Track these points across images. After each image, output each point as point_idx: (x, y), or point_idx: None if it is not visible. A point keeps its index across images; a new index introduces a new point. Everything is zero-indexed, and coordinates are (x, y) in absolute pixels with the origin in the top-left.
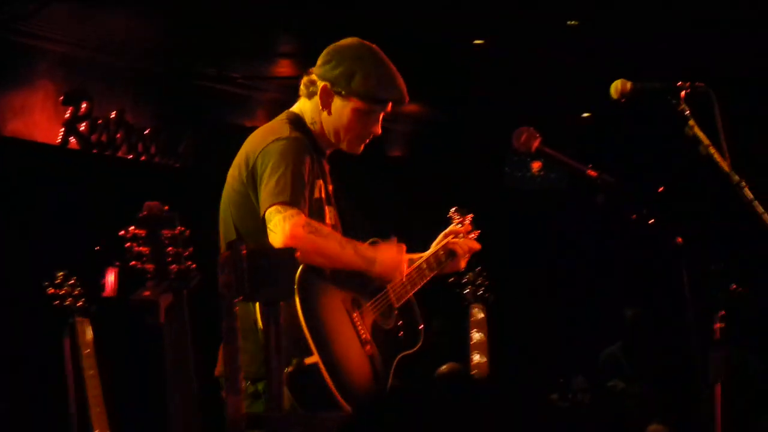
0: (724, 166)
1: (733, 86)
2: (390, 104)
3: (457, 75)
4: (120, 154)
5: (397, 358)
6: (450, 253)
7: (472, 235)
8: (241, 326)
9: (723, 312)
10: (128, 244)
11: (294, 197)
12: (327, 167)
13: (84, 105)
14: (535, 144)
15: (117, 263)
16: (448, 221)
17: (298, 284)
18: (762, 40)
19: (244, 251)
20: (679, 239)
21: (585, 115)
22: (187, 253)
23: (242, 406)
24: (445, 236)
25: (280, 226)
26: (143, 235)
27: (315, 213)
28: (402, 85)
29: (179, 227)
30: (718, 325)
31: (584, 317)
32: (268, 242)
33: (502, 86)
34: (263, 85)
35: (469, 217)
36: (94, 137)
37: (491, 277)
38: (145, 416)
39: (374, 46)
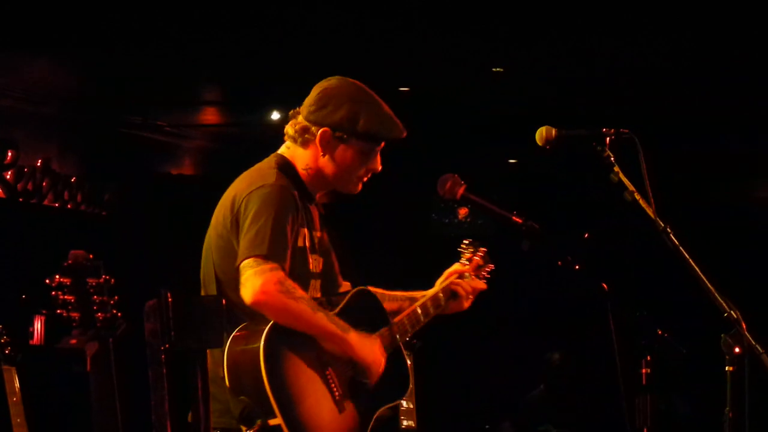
0: (650, 212)
1: (657, 133)
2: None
3: None
4: (46, 202)
5: (379, 411)
6: (452, 294)
7: (486, 269)
8: (211, 377)
9: (649, 357)
10: (54, 292)
11: (272, 251)
12: (316, 213)
13: (10, 153)
14: (460, 191)
15: (43, 311)
16: (458, 256)
17: (263, 342)
18: (684, 88)
19: (170, 299)
20: (605, 285)
21: (511, 161)
22: (112, 301)
23: None
24: (448, 276)
25: (251, 281)
26: (69, 283)
27: (297, 262)
28: (398, 120)
29: (105, 276)
30: (644, 371)
31: (510, 363)
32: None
33: (427, 132)
34: (189, 132)
35: (482, 251)
36: (20, 185)
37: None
38: None
39: (362, 84)
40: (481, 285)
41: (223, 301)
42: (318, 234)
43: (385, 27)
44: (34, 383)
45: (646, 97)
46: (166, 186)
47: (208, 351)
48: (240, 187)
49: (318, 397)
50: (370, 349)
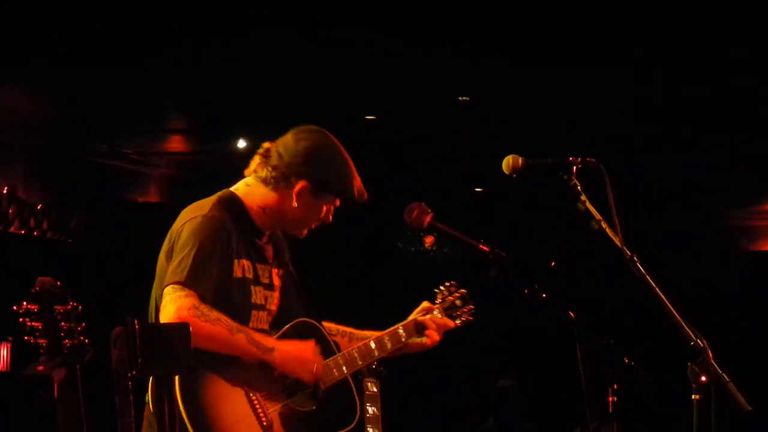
0: (617, 240)
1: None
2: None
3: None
4: (12, 229)
5: None
6: (417, 329)
7: (464, 309)
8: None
9: (616, 385)
10: (21, 319)
11: (190, 278)
12: (270, 250)
13: None
14: (427, 219)
15: (10, 338)
16: (434, 295)
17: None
18: (652, 115)
19: (137, 326)
20: (572, 313)
21: (477, 189)
22: (80, 328)
23: None
24: (417, 313)
25: (167, 307)
26: (36, 310)
27: (235, 292)
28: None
29: (72, 302)
30: (611, 399)
31: (477, 390)
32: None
33: (395, 161)
34: (155, 160)
35: (461, 292)
36: None
37: None
38: None
39: (338, 141)
40: (450, 323)
41: (190, 328)
42: (270, 269)
43: (352, 56)
44: (1, 409)
45: (613, 125)
46: (133, 213)
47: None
48: (180, 218)
49: (240, 423)
50: (296, 355)
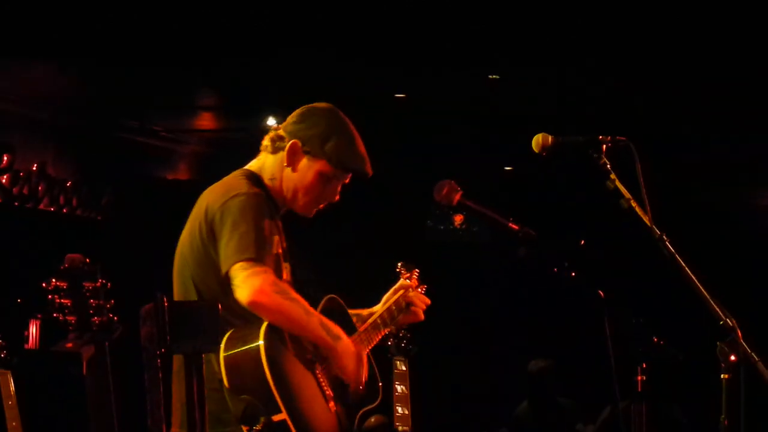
0: (646, 219)
1: (654, 140)
2: (350, 175)
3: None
4: (42, 206)
5: (360, 413)
6: (407, 305)
7: (420, 289)
8: (207, 386)
9: (645, 364)
10: (50, 295)
11: (259, 254)
12: (280, 224)
13: (6, 158)
14: (456, 197)
15: (38, 315)
16: (397, 276)
17: (263, 340)
18: (682, 93)
19: (166, 303)
20: (601, 292)
21: (507, 168)
22: (109, 305)
23: None
24: (396, 291)
25: (248, 282)
26: (65, 287)
27: (275, 269)
28: (368, 161)
29: (101, 279)
30: (640, 378)
31: (507, 370)
32: (231, 301)
33: (425, 139)
34: (185, 137)
35: (416, 272)
36: (15, 189)
37: (414, 329)
38: None
39: (348, 120)
40: (426, 300)
41: (219, 306)
42: (285, 245)
43: (383, 34)
44: (30, 387)
45: (643, 103)
46: (162, 191)
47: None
48: (211, 198)
49: (312, 394)
50: (355, 358)
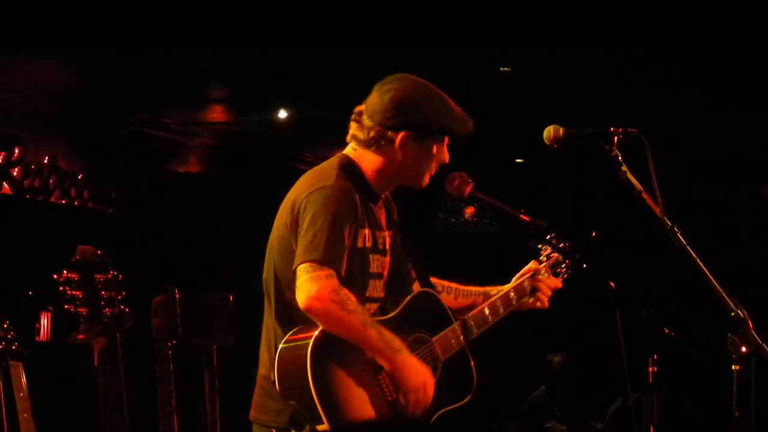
0: (657, 211)
1: (665, 132)
2: None
3: None
4: (53, 199)
5: (437, 414)
6: (531, 291)
7: (564, 265)
8: (270, 372)
9: (656, 356)
10: (62, 287)
11: (327, 256)
12: (383, 214)
13: (17, 150)
14: (468, 189)
15: (50, 307)
16: (536, 253)
17: (311, 349)
18: (693, 86)
19: (177, 295)
20: (612, 284)
21: (518, 160)
22: (120, 296)
23: None
24: (523, 274)
25: (307, 286)
26: (76, 279)
27: (355, 263)
28: (467, 116)
29: (112, 271)
30: (651, 369)
31: (516, 361)
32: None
33: None
34: (196, 130)
35: (562, 247)
36: (26, 182)
37: None
38: None
39: (425, 81)
40: (557, 283)
41: (230, 298)
42: (384, 234)
43: (393, 22)
44: (42, 379)
45: (653, 96)
46: (173, 184)
47: (266, 350)
48: (301, 188)
49: (369, 400)
50: (415, 376)
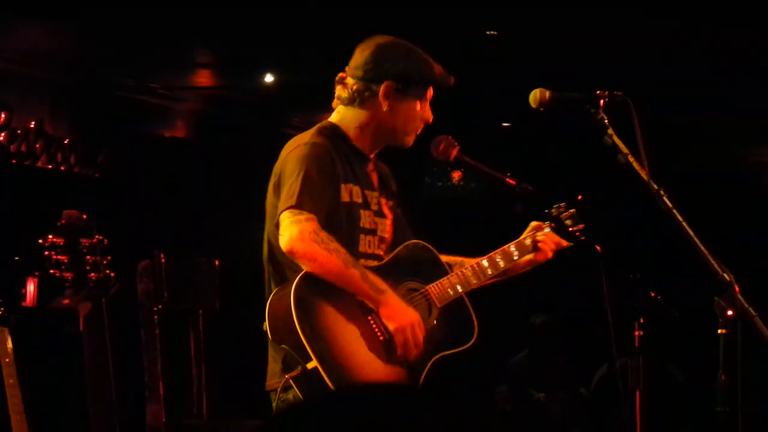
0: (643, 174)
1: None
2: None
3: None
4: (39, 164)
5: (434, 358)
6: (533, 247)
7: (575, 228)
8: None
9: (642, 320)
10: (47, 252)
11: (304, 201)
12: (375, 176)
13: (3, 115)
14: (454, 152)
15: (36, 273)
16: (547, 217)
17: (294, 288)
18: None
19: (163, 260)
20: (598, 247)
21: (504, 124)
22: (105, 261)
23: (162, 414)
24: (528, 231)
25: (288, 230)
26: (62, 243)
27: (343, 217)
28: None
29: (98, 236)
30: (637, 333)
31: (504, 326)
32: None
33: None
34: (183, 95)
35: (571, 212)
36: (13, 147)
37: None
38: (66, 424)
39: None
40: (563, 241)
41: (216, 263)
42: (376, 194)
43: None
44: (27, 344)
45: (639, 59)
46: (159, 148)
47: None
48: (282, 154)
49: (357, 341)
50: (401, 315)
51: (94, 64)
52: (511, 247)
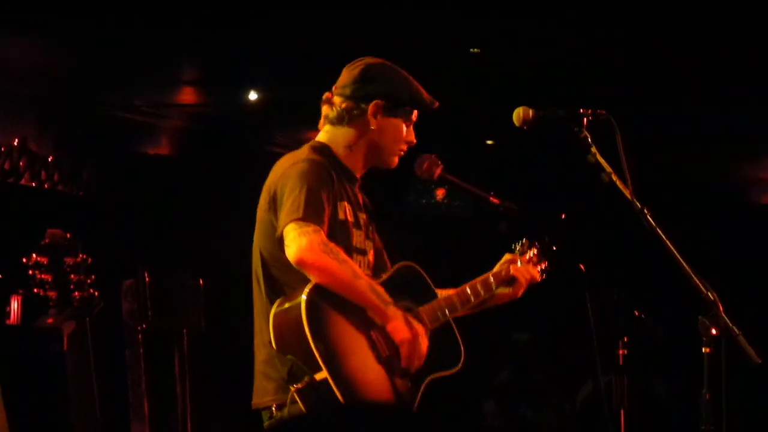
0: (627, 193)
1: (635, 113)
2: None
3: None
4: (23, 182)
5: (428, 380)
6: (505, 279)
7: (540, 266)
8: (265, 358)
9: (626, 338)
10: (31, 271)
11: (310, 214)
12: (360, 196)
13: None
14: (437, 171)
15: (20, 291)
16: (511, 250)
17: (305, 299)
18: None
19: (148, 278)
20: (582, 266)
21: (488, 142)
22: (89, 280)
23: None
24: (502, 264)
25: (297, 241)
26: (46, 262)
27: (339, 234)
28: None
29: (82, 255)
30: (621, 351)
31: (488, 344)
32: (291, 268)
33: None
34: (167, 112)
35: (536, 247)
36: None
37: None
38: None
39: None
40: (536, 275)
41: (201, 282)
42: (364, 216)
43: (361, 3)
44: (11, 363)
45: (623, 77)
46: (144, 166)
47: (260, 335)
48: (276, 170)
49: (363, 355)
50: (406, 327)
51: (79, 82)
52: (490, 278)
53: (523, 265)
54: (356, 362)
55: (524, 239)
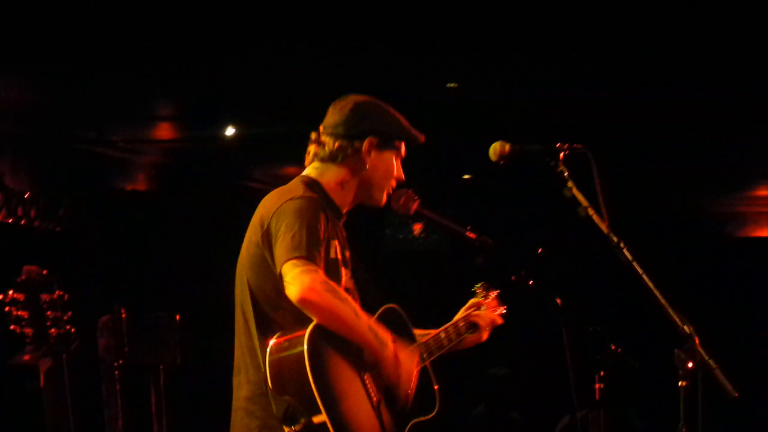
0: (603, 227)
1: (611, 148)
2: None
3: None
4: None
5: (410, 424)
6: (471, 325)
7: (498, 311)
8: (250, 395)
9: (603, 372)
10: (7, 308)
11: (310, 253)
12: (344, 233)
13: None
14: (414, 206)
15: None
16: (472, 295)
17: (307, 341)
18: (637, 101)
19: (124, 315)
20: (559, 300)
21: (465, 176)
22: (66, 317)
23: None
24: (467, 309)
25: (299, 279)
26: (22, 299)
27: (331, 273)
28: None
29: (58, 291)
30: (598, 386)
31: (463, 379)
32: (286, 304)
33: None
34: (144, 148)
35: (495, 293)
36: None
37: None
38: None
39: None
40: (499, 320)
41: (177, 318)
42: (348, 253)
43: (338, 40)
44: None
45: (599, 112)
46: (120, 202)
47: (245, 373)
48: (267, 204)
49: (358, 398)
50: (401, 367)
51: (55, 118)
52: (460, 323)
53: (485, 310)
54: (352, 405)
55: (482, 283)
